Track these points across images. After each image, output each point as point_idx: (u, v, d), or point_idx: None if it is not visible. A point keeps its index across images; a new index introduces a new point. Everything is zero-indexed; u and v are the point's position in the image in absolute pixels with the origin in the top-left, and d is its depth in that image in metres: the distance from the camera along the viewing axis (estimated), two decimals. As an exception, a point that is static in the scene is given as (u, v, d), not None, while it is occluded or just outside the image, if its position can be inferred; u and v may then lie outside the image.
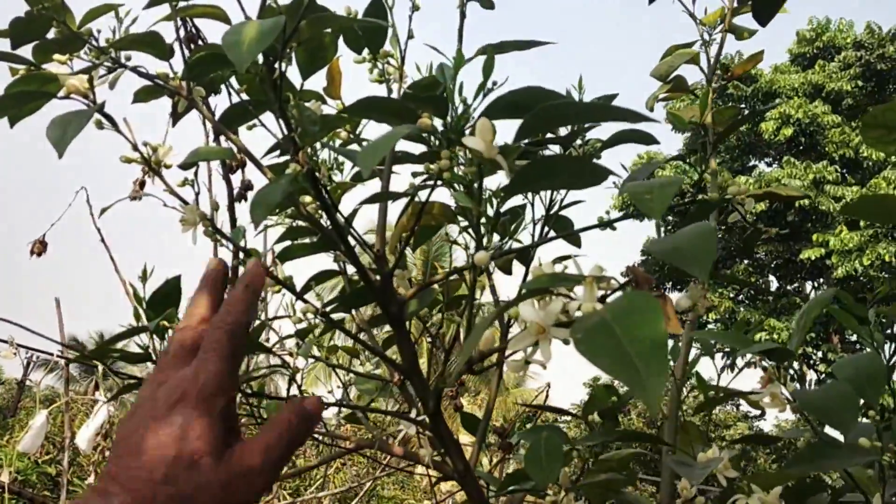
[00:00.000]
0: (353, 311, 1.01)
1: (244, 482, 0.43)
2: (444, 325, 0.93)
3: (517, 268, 1.06)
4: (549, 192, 0.96)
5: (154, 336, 0.83)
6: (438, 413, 0.78)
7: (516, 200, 0.99)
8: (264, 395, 0.94)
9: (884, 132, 0.81)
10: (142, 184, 1.21)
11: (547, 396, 1.25)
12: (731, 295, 16.11)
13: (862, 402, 0.67)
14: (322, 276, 0.88)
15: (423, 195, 0.91)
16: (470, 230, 0.87)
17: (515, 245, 0.90)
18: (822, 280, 16.34)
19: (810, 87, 15.84)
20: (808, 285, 17.35)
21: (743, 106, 15.13)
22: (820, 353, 15.85)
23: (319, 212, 0.82)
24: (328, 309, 0.89)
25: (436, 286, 0.87)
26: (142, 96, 0.82)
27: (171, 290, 0.85)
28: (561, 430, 0.80)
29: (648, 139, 0.86)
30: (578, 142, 0.93)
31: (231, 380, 0.45)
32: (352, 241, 0.76)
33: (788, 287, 17.47)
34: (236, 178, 1.34)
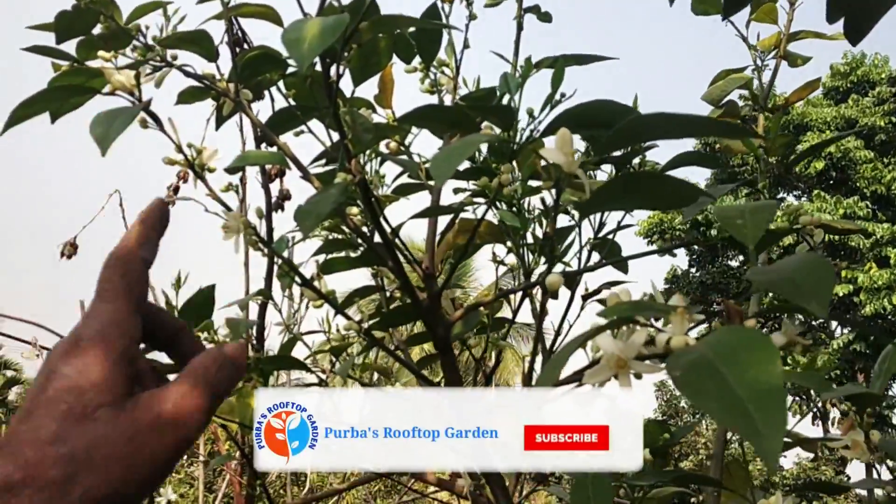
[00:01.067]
0: (391, 329, 0.97)
1: (154, 435, 0.36)
2: (487, 348, 0.89)
3: (560, 291, 1.01)
4: (598, 216, 0.92)
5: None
6: (482, 443, 0.74)
7: (562, 222, 0.95)
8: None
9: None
10: (176, 189, 1.17)
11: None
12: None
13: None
14: (364, 292, 0.84)
15: (464, 213, 0.87)
16: (516, 250, 0.83)
17: (560, 269, 0.86)
18: (848, 317, 16.05)
19: (843, 122, 15.67)
20: (834, 322, 17.08)
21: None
22: (844, 392, 15.58)
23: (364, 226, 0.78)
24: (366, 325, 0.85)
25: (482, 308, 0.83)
26: (187, 98, 0.78)
27: (204, 299, 0.82)
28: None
29: (714, 162, 0.81)
30: (636, 161, 0.89)
31: (130, 319, 0.38)
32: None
33: (814, 323, 17.22)
34: (273, 188, 1.31)
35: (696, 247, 17.57)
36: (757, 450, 0.30)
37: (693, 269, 17.77)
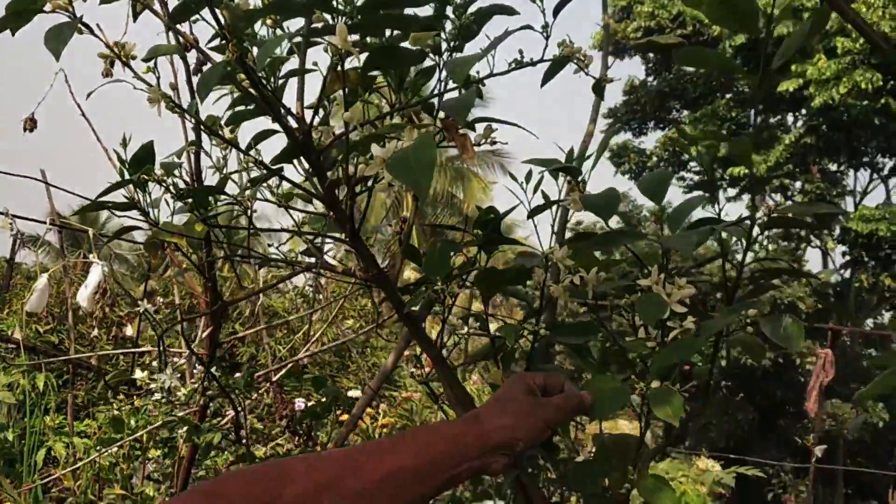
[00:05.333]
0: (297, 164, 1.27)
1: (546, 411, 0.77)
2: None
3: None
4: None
5: (137, 189, 1.09)
6: (355, 233, 1.06)
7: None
8: (240, 240, 1.21)
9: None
10: (111, 63, 1.44)
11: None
12: (714, 130, 16.24)
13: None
14: (262, 136, 1.12)
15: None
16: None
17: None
18: (803, 111, 16.42)
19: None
20: (790, 117, 17.49)
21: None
22: (798, 184, 16.29)
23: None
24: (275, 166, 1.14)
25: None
26: None
27: (145, 153, 1.10)
28: (452, 241, 1.08)
29: None
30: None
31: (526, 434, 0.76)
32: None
33: (771, 120, 17.62)
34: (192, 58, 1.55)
35: (651, 55, 17.58)
36: (414, 188, 0.61)
37: (650, 79, 17.92)
